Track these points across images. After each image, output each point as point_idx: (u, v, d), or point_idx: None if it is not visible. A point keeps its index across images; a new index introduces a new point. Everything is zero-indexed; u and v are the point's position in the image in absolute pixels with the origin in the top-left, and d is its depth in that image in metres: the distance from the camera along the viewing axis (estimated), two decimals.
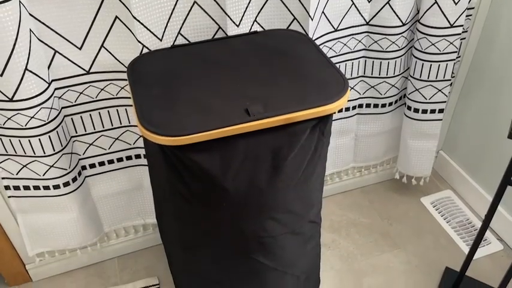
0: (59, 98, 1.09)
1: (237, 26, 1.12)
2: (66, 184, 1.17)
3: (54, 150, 1.09)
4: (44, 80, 1.01)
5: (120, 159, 1.26)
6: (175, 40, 1.10)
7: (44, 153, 1.09)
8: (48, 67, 1.04)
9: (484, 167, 1.54)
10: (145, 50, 1.05)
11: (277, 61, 0.98)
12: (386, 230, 1.55)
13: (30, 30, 0.95)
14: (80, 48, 1.04)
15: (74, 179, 1.19)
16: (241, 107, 0.85)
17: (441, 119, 1.43)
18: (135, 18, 0.99)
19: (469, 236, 1.52)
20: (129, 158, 1.27)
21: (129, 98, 1.15)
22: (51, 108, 1.05)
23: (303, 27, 1.14)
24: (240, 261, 1.07)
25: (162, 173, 0.91)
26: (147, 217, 1.41)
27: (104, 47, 1.05)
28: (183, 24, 1.09)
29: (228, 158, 0.86)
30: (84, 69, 1.08)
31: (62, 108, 1.11)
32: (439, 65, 1.31)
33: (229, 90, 0.89)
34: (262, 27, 1.16)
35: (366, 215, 1.61)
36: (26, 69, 0.95)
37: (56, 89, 1.07)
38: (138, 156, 1.27)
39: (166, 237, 1.16)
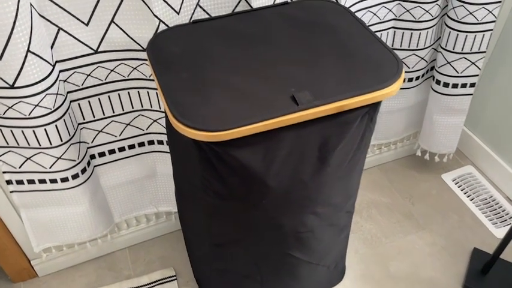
0: (64, 81, 0.96)
1: None
2: (75, 176, 1.06)
3: (61, 141, 0.97)
4: (48, 62, 0.88)
5: (131, 146, 1.15)
6: (193, 13, 0.97)
7: (51, 144, 0.97)
8: (52, 47, 0.91)
9: (509, 142, 1.47)
10: (161, 26, 0.92)
11: (316, 36, 0.86)
12: (409, 210, 1.49)
13: (31, 4, 0.81)
14: (87, 24, 0.91)
15: (83, 170, 1.07)
16: (285, 94, 0.74)
17: (472, 94, 1.34)
18: None
19: (494, 214, 1.47)
20: (141, 144, 1.15)
21: (143, 79, 1.02)
22: (57, 94, 0.92)
23: None
24: (274, 257, 0.99)
25: (193, 167, 0.81)
26: (160, 205, 1.31)
27: (114, 23, 0.92)
28: None
29: (272, 152, 0.76)
30: (91, 48, 0.94)
31: (68, 92, 0.98)
32: (475, 36, 1.21)
33: (268, 72, 0.78)
34: None
35: (386, 194, 1.54)
36: (28, 50, 0.82)
37: (60, 71, 0.94)
38: (151, 142, 1.16)
39: (191, 231, 1.06)
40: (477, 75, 1.30)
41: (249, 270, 1.02)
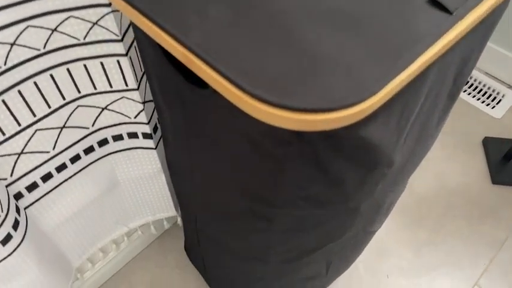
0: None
1: None
2: (6, 240, 0.62)
3: None
4: None
5: (75, 158, 0.71)
6: None
7: None
8: None
9: None
10: None
11: None
12: None
13: None
14: None
15: (16, 225, 0.63)
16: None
17: None
18: None
19: (482, 95, 1.35)
20: (89, 150, 0.73)
21: (73, 45, 0.58)
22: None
23: None
24: (350, 242, 0.71)
25: (273, 174, 0.45)
26: (131, 221, 0.92)
27: None
28: None
29: (408, 110, 0.44)
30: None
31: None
32: None
33: None
34: None
35: None
36: None
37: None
38: (103, 143, 0.74)
39: (236, 259, 0.71)
40: None
41: (318, 270, 0.74)
